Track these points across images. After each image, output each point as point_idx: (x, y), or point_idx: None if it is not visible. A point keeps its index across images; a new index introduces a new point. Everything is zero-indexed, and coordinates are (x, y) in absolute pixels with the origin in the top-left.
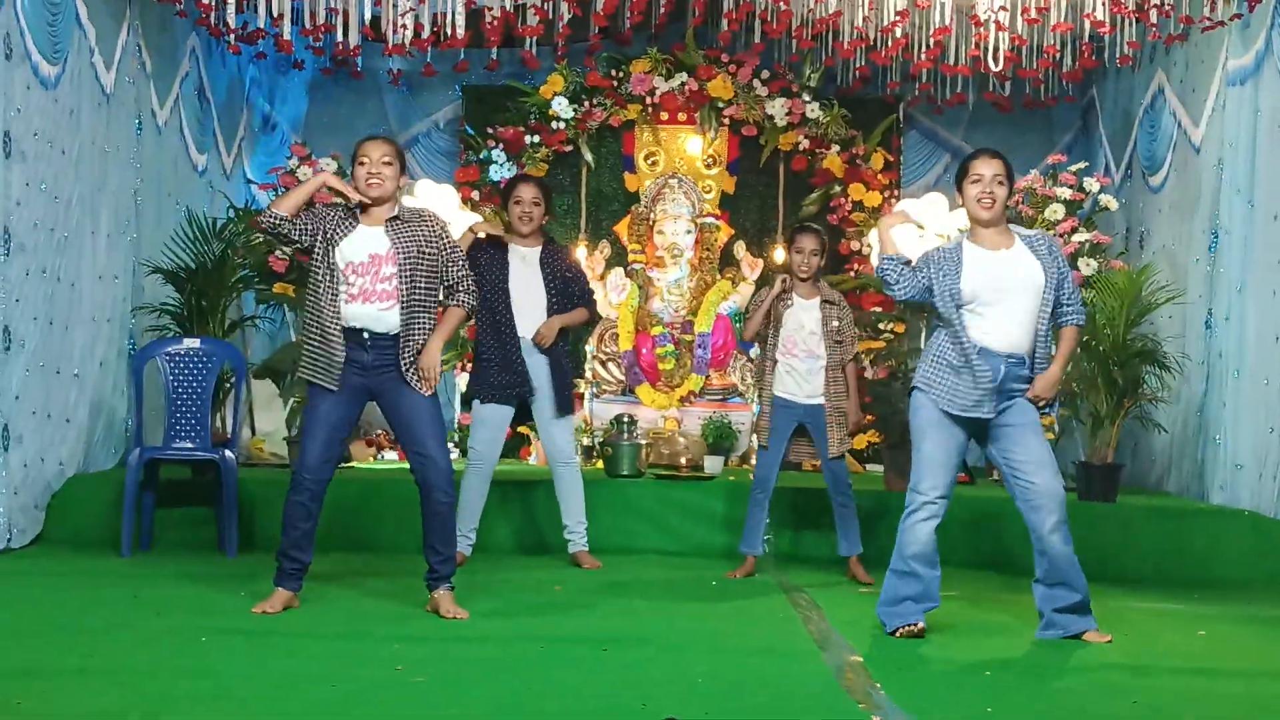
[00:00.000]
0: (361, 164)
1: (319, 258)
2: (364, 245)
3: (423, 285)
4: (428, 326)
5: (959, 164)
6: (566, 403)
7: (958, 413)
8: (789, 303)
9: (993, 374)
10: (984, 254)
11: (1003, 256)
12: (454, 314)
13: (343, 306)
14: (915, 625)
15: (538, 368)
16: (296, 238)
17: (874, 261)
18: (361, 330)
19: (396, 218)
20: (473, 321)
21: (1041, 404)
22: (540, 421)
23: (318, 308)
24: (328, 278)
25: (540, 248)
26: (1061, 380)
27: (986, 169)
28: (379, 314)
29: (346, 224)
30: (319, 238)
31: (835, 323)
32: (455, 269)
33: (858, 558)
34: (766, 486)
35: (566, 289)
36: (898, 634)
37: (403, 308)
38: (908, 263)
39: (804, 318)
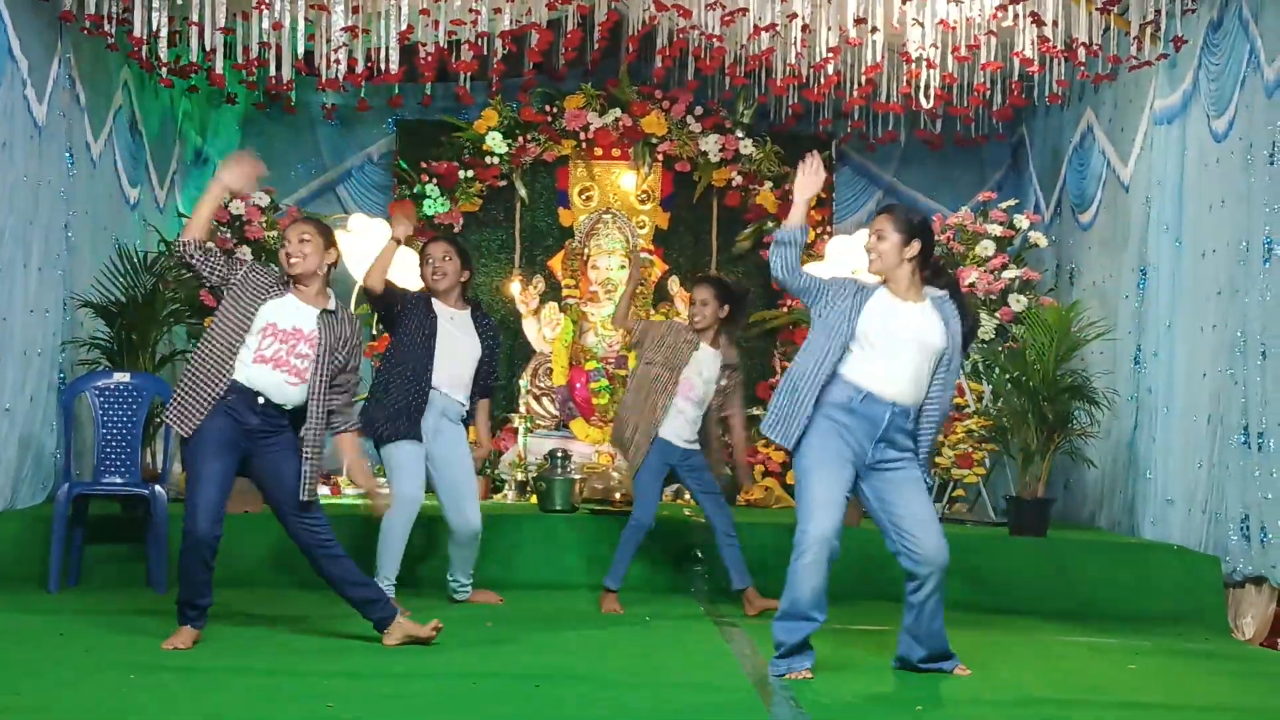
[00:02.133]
0: (283, 245)
1: (231, 308)
2: (291, 317)
3: (327, 379)
4: (316, 415)
5: None
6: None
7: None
8: (695, 347)
9: (875, 420)
10: (891, 300)
11: (908, 308)
12: (352, 441)
13: (249, 364)
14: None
15: (455, 435)
16: (207, 274)
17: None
18: (258, 394)
19: (333, 313)
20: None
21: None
22: (456, 488)
23: (212, 355)
24: (237, 329)
25: (469, 312)
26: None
27: (872, 224)
28: (284, 386)
29: (278, 289)
30: (236, 286)
31: (724, 381)
32: (352, 375)
33: (754, 588)
34: (649, 521)
35: (489, 362)
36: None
37: (308, 392)
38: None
39: (703, 367)
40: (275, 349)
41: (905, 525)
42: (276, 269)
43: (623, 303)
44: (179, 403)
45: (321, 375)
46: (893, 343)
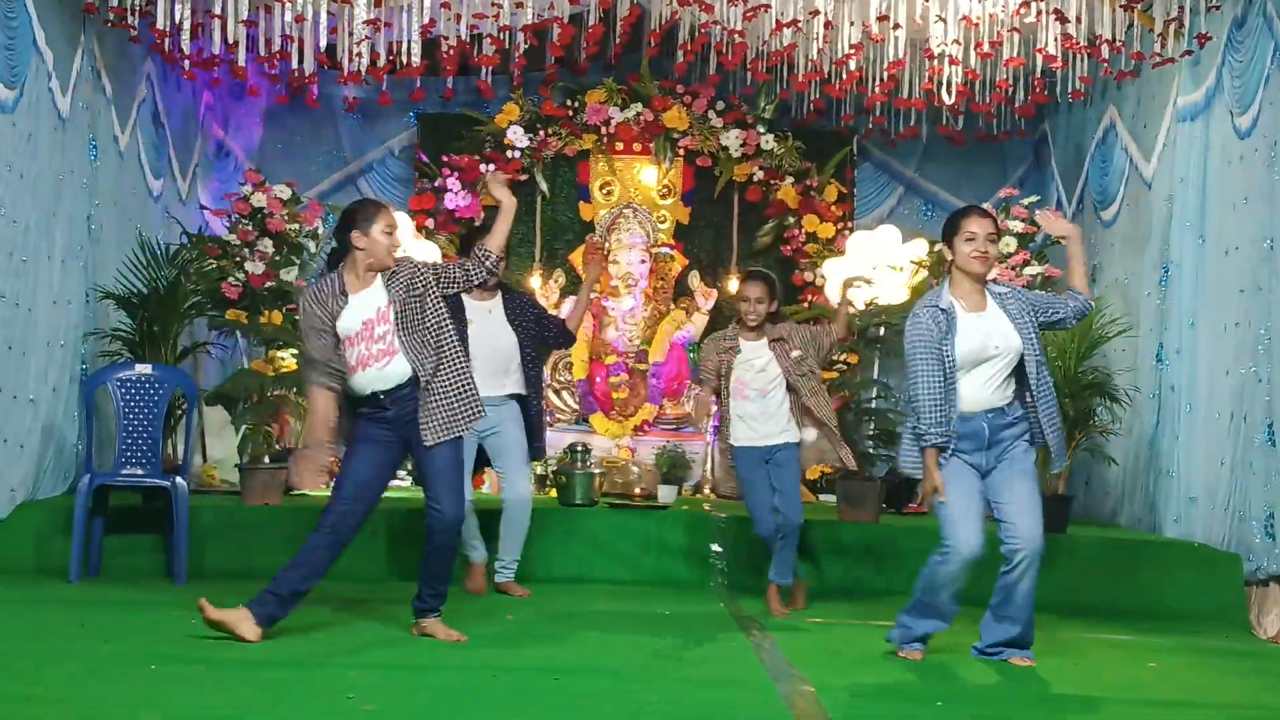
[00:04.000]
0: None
1: (319, 342)
2: (355, 318)
3: (422, 326)
4: (439, 365)
5: (948, 219)
6: (532, 448)
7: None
8: (737, 349)
9: (977, 434)
10: (968, 317)
11: (982, 320)
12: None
13: (353, 380)
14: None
15: (500, 416)
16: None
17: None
18: (375, 393)
19: (393, 273)
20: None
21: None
22: (503, 460)
23: (326, 383)
24: (334, 357)
25: (499, 298)
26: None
27: (980, 227)
28: (380, 373)
29: (338, 301)
30: (313, 325)
31: (797, 352)
32: (449, 270)
33: (778, 587)
34: (767, 530)
35: (541, 333)
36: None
37: (406, 353)
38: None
39: (752, 359)
40: (359, 353)
41: (1006, 507)
42: (329, 282)
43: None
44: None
45: (404, 332)
46: (978, 362)
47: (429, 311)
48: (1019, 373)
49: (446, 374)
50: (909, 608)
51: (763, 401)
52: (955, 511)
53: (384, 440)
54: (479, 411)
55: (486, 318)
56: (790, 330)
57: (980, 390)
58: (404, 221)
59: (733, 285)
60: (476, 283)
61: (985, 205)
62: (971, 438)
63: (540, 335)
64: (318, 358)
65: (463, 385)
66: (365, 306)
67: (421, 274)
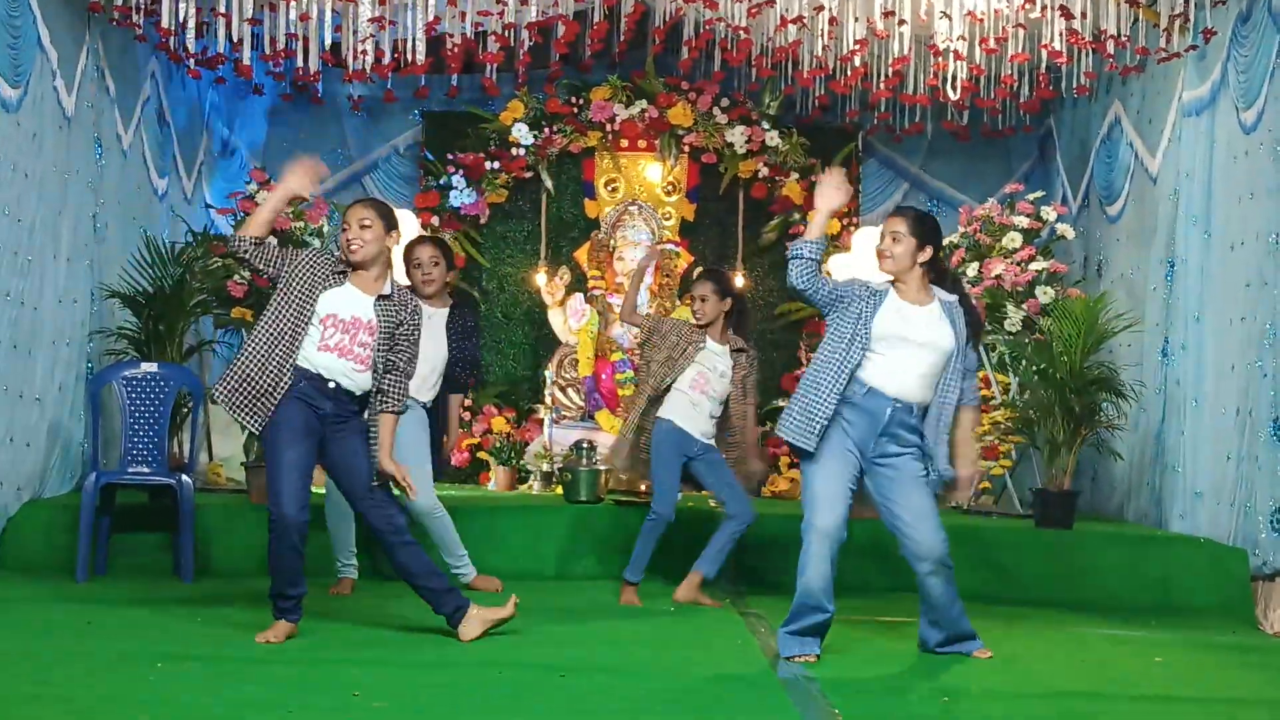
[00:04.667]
0: (344, 230)
1: (289, 297)
2: (349, 305)
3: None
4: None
5: None
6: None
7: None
8: (701, 345)
9: (876, 414)
10: (903, 304)
11: (919, 311)
12: (387, 421)
13: (313, 352)
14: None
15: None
16: (261, 266)
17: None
18: (329, 381)
19: (388, 297)
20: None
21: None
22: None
23: (272, 343)
24: (297, 319)
25: (448, 310)
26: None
27: (886, 226)
28: (353, 373)
29: (335, 278)
30: (292, 276)
31: (744, 372)
32: (405, 354)
33: (700, 577)
34: (669, 511)
35: (460, 353)
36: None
37: (374, 375)
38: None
39: (717, 362)
40: (338, 339)
41: (904, 518)
42: (336, 253)
43: (629, 296)
44: (239, 395)
45: (383, 354)
46: (902, 344)
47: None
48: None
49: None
50: (790, 612)
51: (713, 403)
52: (821, 493)
53: (304, 429)
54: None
55: (426, 323)
56: (750, 350)
57: (897, 373)
58: (409, 219)
59: (739, 281)
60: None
61: (990, 200)
62: (869, 416)
63: (460, 354)
64: (254, 251)
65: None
66: (359, 306)
67: (405, 325)
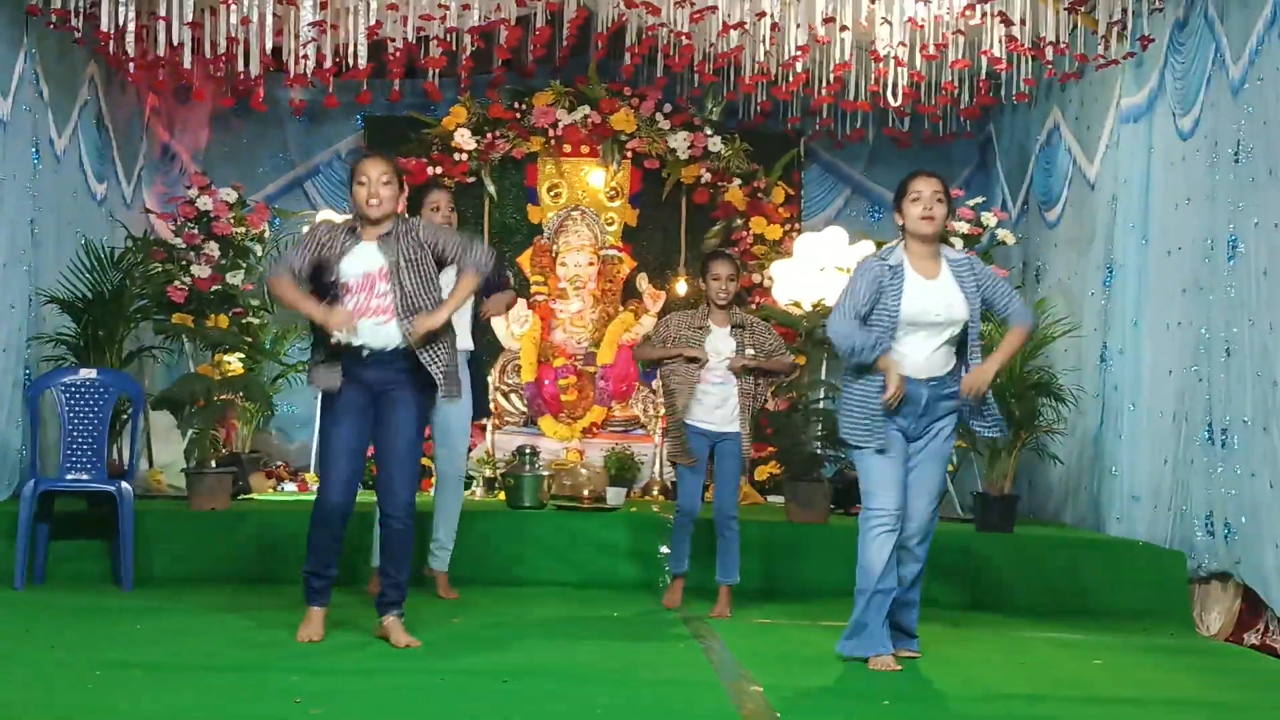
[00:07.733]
0: (360, 184)
1: (319, 276)
2: (360, 263)
3: (420, 293)
4: (431, 336)
5: (898, 185)
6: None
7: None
8: (709, 330)
9: (915, 400)
10: (918, 280)
11: (933, 286)
12: (463, 280)
13: None
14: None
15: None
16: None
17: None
18: (360, 348)
19: (388, 233)
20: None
21: (972, 400)
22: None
23: (317, 329)
24: (330, 296)
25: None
26: (994, 379)
27: (925, 186)
28: (375, 330)
29: (348, 241)
30: (319, 255)
31: (750, 350)
32: (451, 247)
33: (729, 588)
34: (693, 509)
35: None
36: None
37: (400, 320)
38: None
39: (720, 345)
40: (357, 302)
41: (910, 486)
42: (342, 219)
43: (655, 356)
44: (312, 366)
45: (399, 291)
46: (924, 327)
47: (423, 281)
48: (962, 345)
49: (438, 348)
50: (853, 616)
51: (722, 388)
52: (882, 478)
53: (354, 409)
54: (456, 396)
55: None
56: (750, 321)
57: (921, 355)
58: None
59: (680, 288)
60: (472, 266)
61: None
62: (910, 402)
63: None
64: (289, 265)
65: (449, 363)
66: (366, 261)
67: (420, 245)
